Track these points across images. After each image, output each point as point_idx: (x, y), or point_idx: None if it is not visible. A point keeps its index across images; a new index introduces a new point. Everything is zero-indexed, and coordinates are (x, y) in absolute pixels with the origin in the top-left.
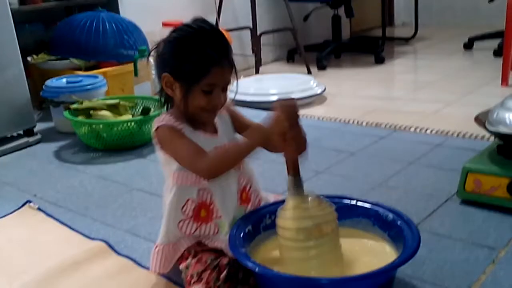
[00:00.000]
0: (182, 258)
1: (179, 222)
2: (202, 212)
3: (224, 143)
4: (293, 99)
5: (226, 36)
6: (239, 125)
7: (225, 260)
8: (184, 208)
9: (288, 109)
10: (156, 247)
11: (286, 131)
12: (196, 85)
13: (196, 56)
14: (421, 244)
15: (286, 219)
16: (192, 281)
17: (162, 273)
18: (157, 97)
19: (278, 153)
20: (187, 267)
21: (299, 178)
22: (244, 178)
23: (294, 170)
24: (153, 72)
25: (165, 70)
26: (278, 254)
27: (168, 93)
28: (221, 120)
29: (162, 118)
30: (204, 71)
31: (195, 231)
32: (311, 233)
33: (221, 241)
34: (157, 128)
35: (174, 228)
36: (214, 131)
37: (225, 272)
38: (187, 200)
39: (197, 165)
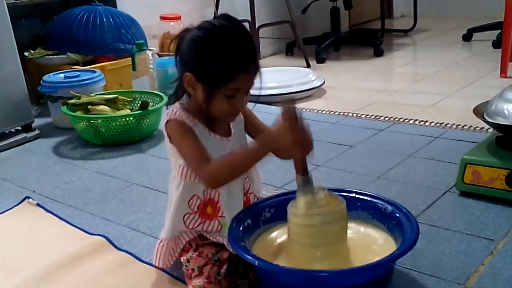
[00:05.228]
0: (183, 250)
1: (185, 215)
2: (208, 208)
3: (236, 147)
4: (294, 102)
5: None
6: (251, 126)
7: (225, 254)
8: (190, 202)
9: (292, 117)
10: (161, 241)
11: (292, 137)
12: (219, 90)
13: (222, 60)
14: (420, 236)
15: (296, 216)
16: (193, 274)
17: (165, 267)
18: (155, 91)
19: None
20: (188, 261)
21: (308, 177)
22: (248, 179)
23: (302, 170)
24: (152, 66)
25: (188, 70)
26: (277, 247)
27: (189, 91)
28: (236, 123)
29: (175, 111)
30: (229, 76)
31: (198, 225)
32: (319, 231)
33: (223, 237)
34: (168, 121)
35: (179, 221)
36: (227, 132)
37: (225, 266)
38: (193, 196)
39: (200, 172)
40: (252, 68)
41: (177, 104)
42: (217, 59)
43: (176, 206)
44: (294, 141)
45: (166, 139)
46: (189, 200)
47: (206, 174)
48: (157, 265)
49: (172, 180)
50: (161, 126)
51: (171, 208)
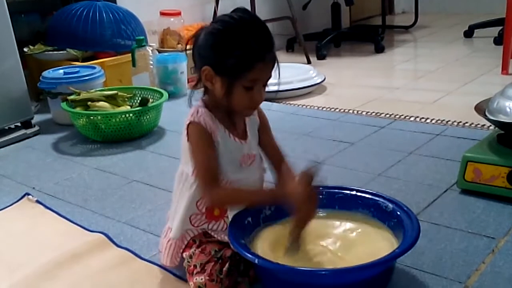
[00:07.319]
0: (186, 246)
1: (191, 215)
2: (216, 211)
3: (250, 150)
4: (317, 171)
5: None
6: (263, 134)
7: (228, 252)
8: (199, 203)
9: (309, 183)
10: (169, 241)
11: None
12: (238, 81)
13: (240, 51)
14: (420, 234)
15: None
16: (195, 271)
17: (172, 266)
18: (155, 87)
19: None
20: (190, 257)
21: (297, 244)
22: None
23: (295, 236)
24: (151, 63)
25: (206, 63)
26: (278, 245)
27: (207, 86)
28: (251, 122)
29: (198, 112)
30: (248, 67)
31: (204, 224)
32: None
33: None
34: (192, 122)
35: (186, 221)
36: (244, 134)
37: (227, 264)
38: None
39: (206, 190)
40: (269, 58)
41: (200, 103)
42: (235, 50)
43: (185, 206)
44: (303, 203)
45: (184, 137)
46: (198, 201)
47: (211, 195)
48: (165, 263)
49: (181, 177)
50: (161, 122)
51: (180, 208)
